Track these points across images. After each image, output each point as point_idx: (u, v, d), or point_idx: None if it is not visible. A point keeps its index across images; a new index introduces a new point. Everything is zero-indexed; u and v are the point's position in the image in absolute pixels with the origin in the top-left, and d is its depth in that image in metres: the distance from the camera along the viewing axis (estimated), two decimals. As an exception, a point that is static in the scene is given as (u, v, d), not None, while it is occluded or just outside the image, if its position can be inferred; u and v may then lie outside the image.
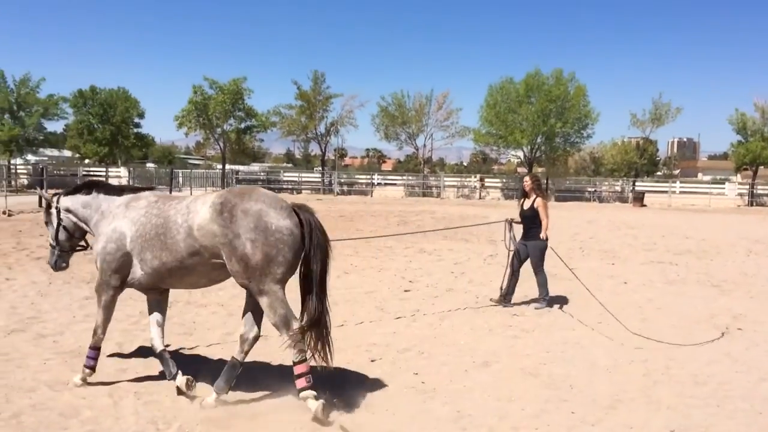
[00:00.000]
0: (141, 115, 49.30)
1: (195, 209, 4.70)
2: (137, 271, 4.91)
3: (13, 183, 37.01)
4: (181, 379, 4.83)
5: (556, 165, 55.41)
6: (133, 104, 48.11)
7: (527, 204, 8.64)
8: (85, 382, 5.03)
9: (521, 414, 4.75)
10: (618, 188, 46.72)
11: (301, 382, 4.52)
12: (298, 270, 4.68)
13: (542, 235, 8.50)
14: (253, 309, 4.78)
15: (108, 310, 5.11)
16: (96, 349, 5.13)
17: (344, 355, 6.09)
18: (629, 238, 18.03)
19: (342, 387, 5.21)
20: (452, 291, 9.51)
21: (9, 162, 43.90)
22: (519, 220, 8.76)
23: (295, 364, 4.55)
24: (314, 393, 4.50)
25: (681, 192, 44.65)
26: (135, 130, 49.21)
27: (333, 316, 7.38)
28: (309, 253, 4.63)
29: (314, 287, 4.65)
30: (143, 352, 5.99)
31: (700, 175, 76.79)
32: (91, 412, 4.52)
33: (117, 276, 4.96)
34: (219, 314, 7.61)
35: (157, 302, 5.24)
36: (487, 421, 4.62)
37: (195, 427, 4.35)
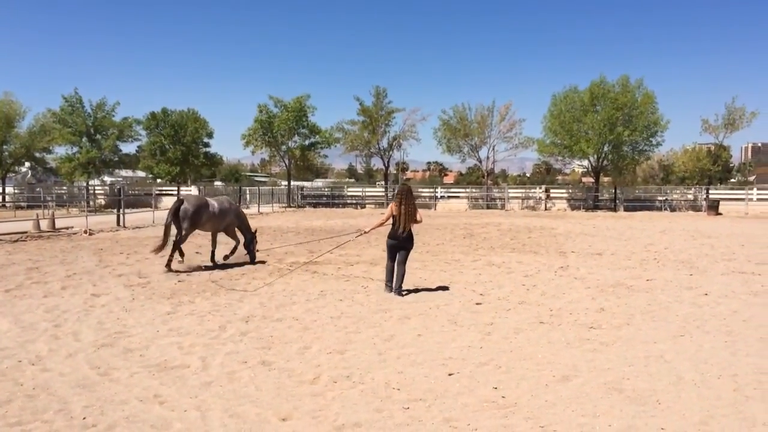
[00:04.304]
0: (210, 135, 50.84)
1: None
2: None
3: (91, 203, 38.71)
4: None
5: (623, 174, 54.01)
6: (203, 125, 49.64)
7: None
8: None
9: (608, 430, 4.63)
10: (690, 196, 45.16)
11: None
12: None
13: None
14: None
15: None
16: None
17: (421, 368, 6.11)
18: (706, 248, 17.38)
19: (422, 400, 5.21)
20: (525, 304, 9.37)
21: (87, 183, 46.06)
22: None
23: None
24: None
25: (758, 199, 42.68)
26: (204, 150, 50.73)
27: (406, 330, 7.52)
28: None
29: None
30: (226, 365, 6.15)
31: (778, 181, 73.20)
32: (181, 425, 4.66)
33: None
34: (294, 328, 7.72)
35: None
36: (572, 436, 4.53)
37: (281, 440, 4.43)
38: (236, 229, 13.66)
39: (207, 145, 51.16)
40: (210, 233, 13.67)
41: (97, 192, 47.18)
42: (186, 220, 12.32)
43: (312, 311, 8.73)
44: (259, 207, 40.25)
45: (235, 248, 13.57)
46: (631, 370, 6.06)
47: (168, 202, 44.03)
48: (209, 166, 53.68)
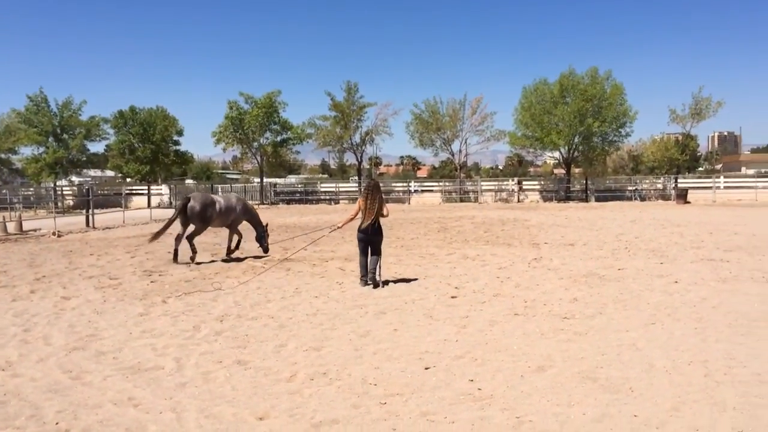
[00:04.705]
0: (180, 133, 50.07)
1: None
2: None
3: (60, 204, 38.04)
4: None
5: (594, 165, 54.65)
6: (172, 122, 48.86)
7: None
8: None
9: (583, 419, 4.69)
10: (660, 186, 45.88)
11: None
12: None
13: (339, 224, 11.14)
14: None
15: None
16: None
17: (397, 363, 6.13)
18: (676, 236, 17.68)
19: (399, 394, 5.22)
20: (499, 296, 9.44)
21: (55, 184, 45.22)
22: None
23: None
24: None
25: (725, 187, 43.60)
26: (174, 148, 49.97)
27: (382, 325, 7.53)
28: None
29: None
30: (201, 365, 6.09)
31: (743, 169, 74.57)
32: (157, 427, 4.61)
33: None
34: (270, 326, 7.69)
35: None
36: (548, 426, 4.57)
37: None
38: (244, 223, 14.39)
39: (177, 143, 50.37)
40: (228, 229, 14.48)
41: (65, 193, 46.39)
42: (197, 220, 13.29)
43: (287, 309, 8.69)
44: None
45: (230, 246, 14.14)
46: (604, 359, 6.15)
47: (138, 201, 43.65)
48: (180, 164, 52.89)
